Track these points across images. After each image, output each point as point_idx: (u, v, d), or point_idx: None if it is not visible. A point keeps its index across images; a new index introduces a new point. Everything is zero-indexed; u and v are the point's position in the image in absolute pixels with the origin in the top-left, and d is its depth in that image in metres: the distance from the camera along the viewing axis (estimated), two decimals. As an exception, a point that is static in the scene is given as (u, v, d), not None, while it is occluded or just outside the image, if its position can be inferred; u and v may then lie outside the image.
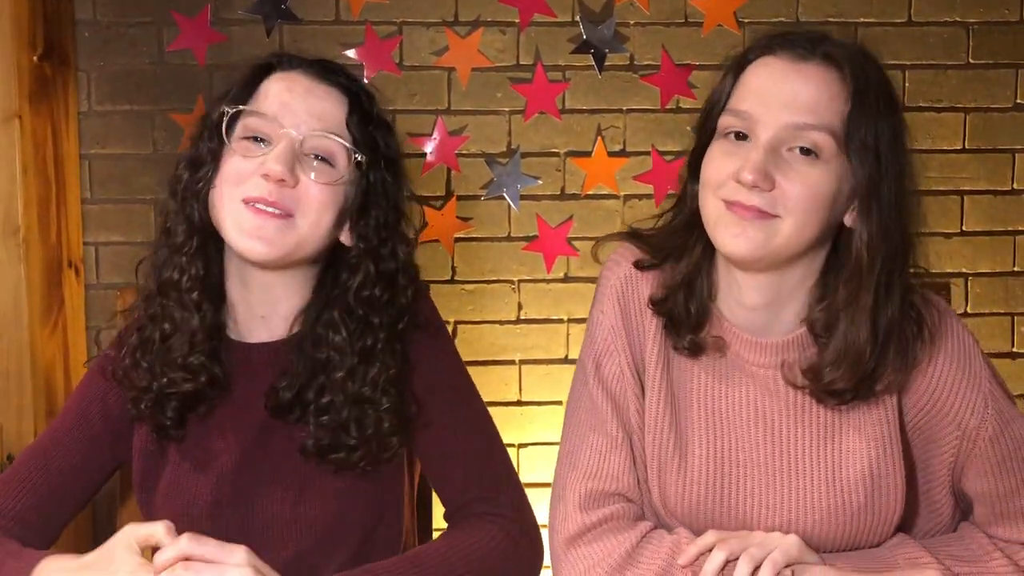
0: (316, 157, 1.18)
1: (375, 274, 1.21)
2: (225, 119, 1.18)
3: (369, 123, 1.23)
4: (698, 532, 1.14)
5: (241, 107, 1.19)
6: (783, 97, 1.08)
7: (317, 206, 1.17)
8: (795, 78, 1.08)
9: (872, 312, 1.10)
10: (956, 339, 1.16)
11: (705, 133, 1.16)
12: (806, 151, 1.08)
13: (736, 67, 1.14)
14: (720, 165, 1.11)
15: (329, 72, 1.23)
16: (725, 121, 1.12)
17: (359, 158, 1.20)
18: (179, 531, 1.17)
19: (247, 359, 1.24)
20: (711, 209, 1.12)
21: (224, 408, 1.23)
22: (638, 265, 1.22)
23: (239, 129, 1.19)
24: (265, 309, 1.24)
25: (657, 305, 1.19)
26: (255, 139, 1.18)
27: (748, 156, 1.07)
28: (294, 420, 1.21)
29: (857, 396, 1.13)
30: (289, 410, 1.20)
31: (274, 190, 1.14)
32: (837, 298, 1.12)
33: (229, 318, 1.25)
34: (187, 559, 0.99)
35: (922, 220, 1.15)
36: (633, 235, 1.26)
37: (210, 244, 1.22)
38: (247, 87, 1.21)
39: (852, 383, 1.11)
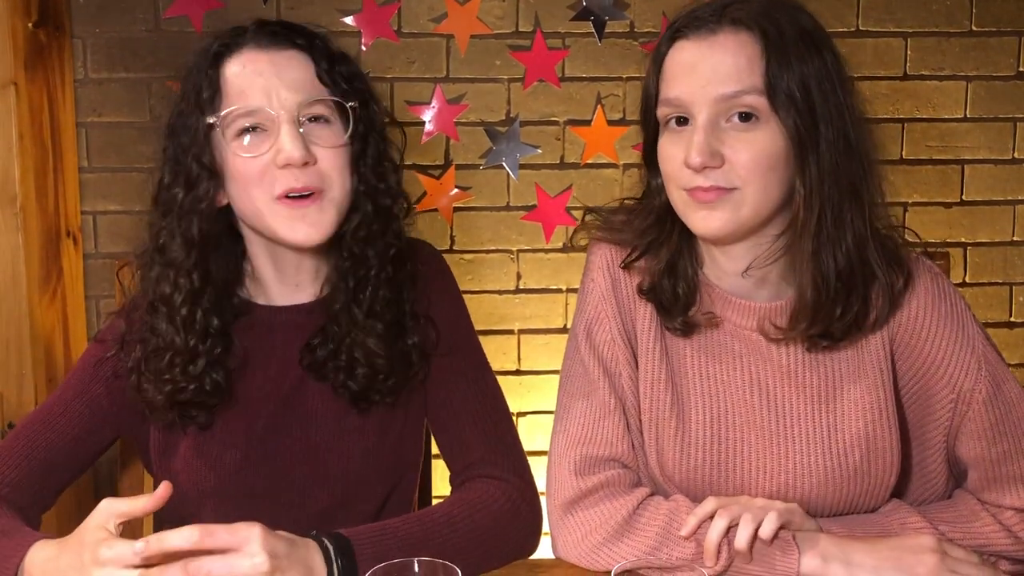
0: (313, 121, 1.17)
1: (372, 213, 1.23)
2: (217, 131, 1.17)
3: (335, 64, 1.21)
4: (696, 498, 1.15)
5: (225, 111, 1.16)
6: (706, 74, 1.09)
7: (339, 171, 1.18)
8: (711, 53, 1.10)
9: (814, 259, 1.11)
10: (948, 302, 1.18)
11: (649, 127, 1.18)
12: (744, 117, 1.09)
13: (655, 59, 1.16)
14: (671, 155, 1.13)
15: (277, 35, 1.19)
16: (662, 112, 1.15)
17: (351, 105, 1.20)
18: (206, 490, 1.21)
19: (277, 323, 1.25)
20: (676, 199, 1.15)
21: (253, 372, 1.24)
22: (624, 265, 1.23)
23: (230, 132, 1.16)
24: (299, 278, 1.27)
25: (646, 294, 1.21)
26: (251, 131, 1.16)
27: (691, 140, 1.09)
28: (330, 372, 1.23)
29: (844, 338, 1.15)
30: (324, 363, 1.23)
31: (300, 175, 1.15)
32: (774, 250, 1.14)
33: (257, 290, 1.27)
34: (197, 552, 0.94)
35: (877, 151, 1.14)
36: (604, 227, 1.26)
37: (211, 253, 1.21)
38: (210, 87, 1.17)
39: (820, 330, 1.13)
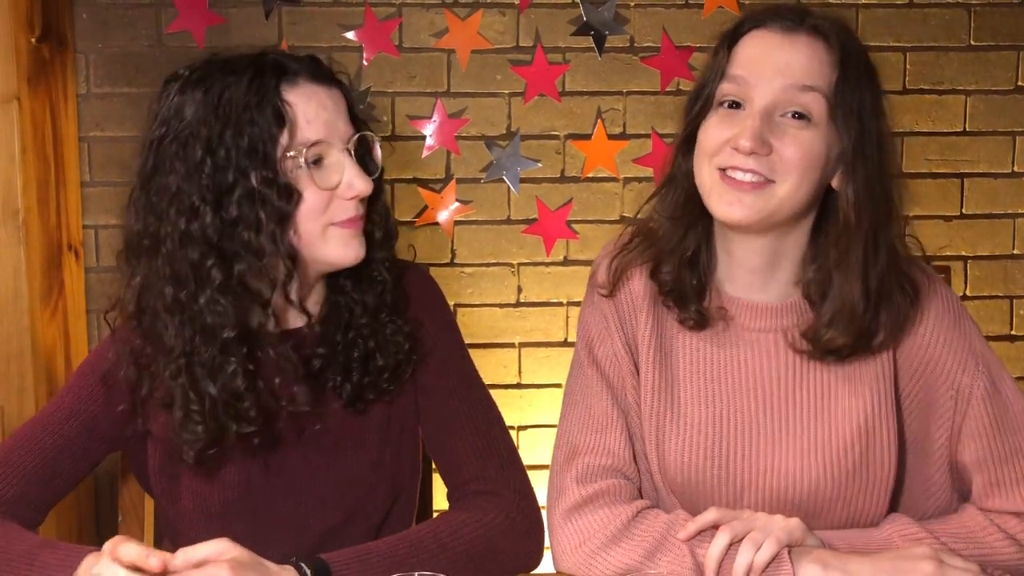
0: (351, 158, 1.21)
1: (392, 239, 1.29)
2: (303, 160, 1.17)
3: (355, 104, 1.27)
4: (695, 500, 1.17)
5: (302, 141, 1.17)
6: (777, 64, 1.14)
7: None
8: (787, 47, 1.15)
9: (862, 269, 1.15)
10: (945, 301, 1.21)
11: (696, 107, 1.20)
12: (799, 115, 1.13)
13: (729, 40, 1.19)
14: (716, 133, 1.15)
15: (323, 73, 1.22)
16: (722, 89, 1.17)
17: (373, 135, 1.24)
18: (211, 513, 1.22)
19: (276, 347, 1.25)
20: (706, 177, 1.16)
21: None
22: (654, 277, 1.23)
23: (304, 160, 1.17)
24: (309, 304, 1.27)
25: (667, 288, 1.21)
26: (317, 163, 1.19)
27: (744, 123, 1.12)
28: (328, 379, 1.25)
29: (855, 352, 1.17)
30: (322, 372, 1.25)
31: (360, 205, 1.21)
32: (828, 259, 1.16)
33: (266, 316, 1.25)
34: None
35: (903, 184, 1.20)
36: (625, 253, 1.26)
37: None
38: (273, 111, 1.16)
39: (851, 339, 1.15)
